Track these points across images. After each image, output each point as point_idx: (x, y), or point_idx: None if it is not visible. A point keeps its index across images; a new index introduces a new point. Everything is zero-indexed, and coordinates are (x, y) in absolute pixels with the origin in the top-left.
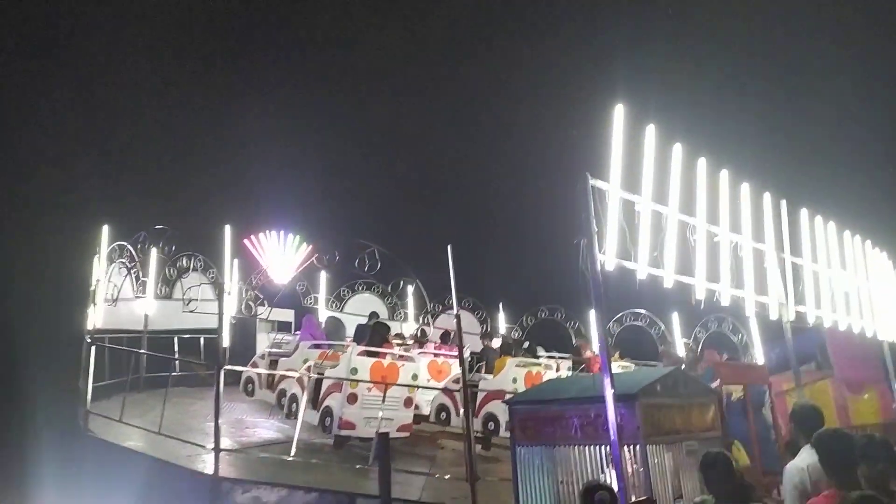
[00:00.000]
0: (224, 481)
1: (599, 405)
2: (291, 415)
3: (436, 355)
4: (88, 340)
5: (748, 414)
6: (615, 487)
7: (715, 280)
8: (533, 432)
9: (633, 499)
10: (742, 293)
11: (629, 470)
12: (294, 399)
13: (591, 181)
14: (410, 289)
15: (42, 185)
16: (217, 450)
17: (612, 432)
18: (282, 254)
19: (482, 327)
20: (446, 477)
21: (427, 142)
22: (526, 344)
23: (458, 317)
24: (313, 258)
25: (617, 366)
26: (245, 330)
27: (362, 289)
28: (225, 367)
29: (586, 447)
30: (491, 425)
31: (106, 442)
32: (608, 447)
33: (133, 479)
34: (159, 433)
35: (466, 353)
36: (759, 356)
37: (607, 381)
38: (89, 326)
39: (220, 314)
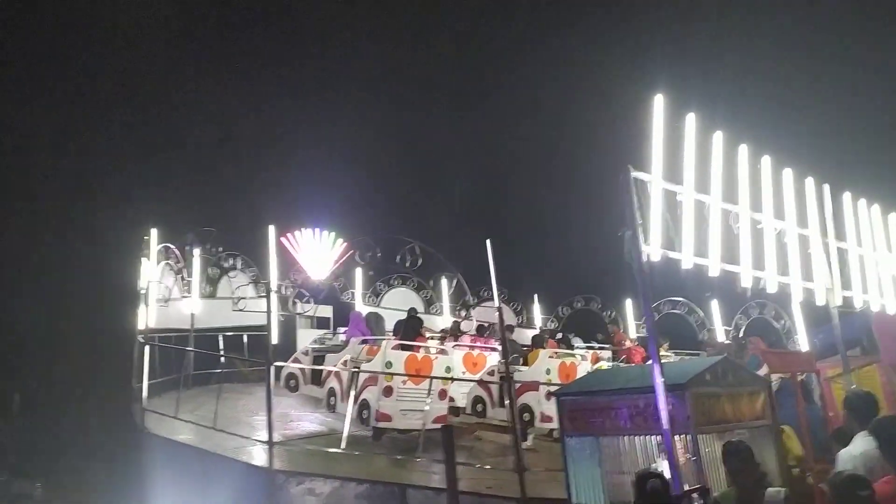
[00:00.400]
0: (279, 474)
1: (649, 395)
2: (331, 408)
3: (471, 347)
4: (141, 340)
5: (798, 401)
6: (667, 476)
7: (760, 268)
8: (582, 423)
9: (686, 487)
10: (788, 280)
11: (680, 459)
12: (333, 393)
13: (634, 173)
14: (445, 283)
15: (96, 192)
16: (271, 443)
17: (664, 422)
18: (318, 251)
19: (517, 319)
20: (487, 467)
21: (462, 137)
22: (559, 335)
23: (499, 309)
24: (355, 255)
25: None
26: (284, 326)
27: (398, 283)
28: (275, 363)
29: (636, 437)
30: (526, 416)
31: (163, 438)
32: (658, 437)
33: (190, 474)
34: (214, 428)
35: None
36: (803, 342)
37: (658, 372)
38: (140, 326)
39: (269, 312)
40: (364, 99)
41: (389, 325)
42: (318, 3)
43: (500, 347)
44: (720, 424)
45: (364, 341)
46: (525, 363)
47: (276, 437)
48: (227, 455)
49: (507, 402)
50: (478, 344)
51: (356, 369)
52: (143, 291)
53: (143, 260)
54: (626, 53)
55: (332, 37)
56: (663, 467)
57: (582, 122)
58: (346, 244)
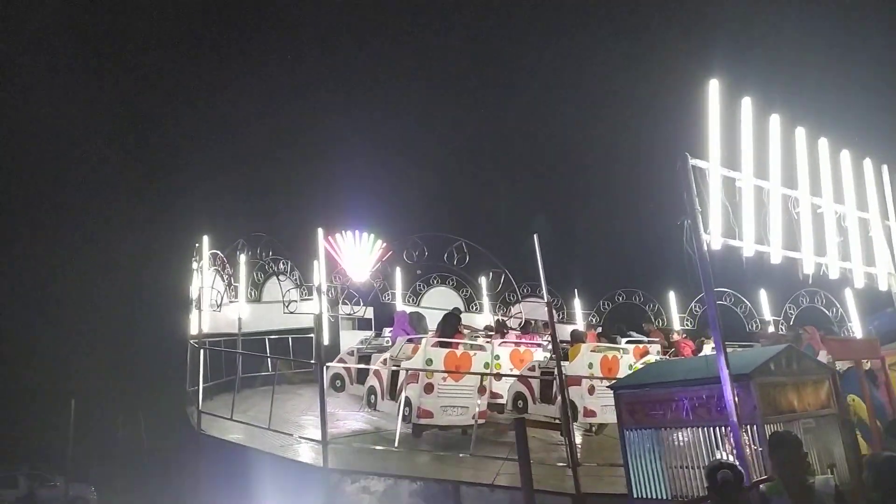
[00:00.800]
0: (333, 472)
1: (712, 386)
2: (372, 406)
3: (517, 344)
4: (195, 344)
5: (863, 388)
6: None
7: (821, 253)
8: (641, 416)
9: (756, 478)
10: (849, 265)
11: (747, 450)
12: (373, 391)
13: (691, 160)
14: (484, 280)
15: (149, 201)
16: (325, 442)
17: (731, 413)
18: (358, 253)
19: (558, 315)
20: (541, 464)
21: (503, 133)
22: (599, 329)
23: (549, 305)
24: (403, 254)
25: (709, 348)
26: (328, 328)
27: (437, 282)
28: (327, 364)
29: (699, 429)
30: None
31: (219, 439)
32: (722, 428)
33: (246, 474)
34: (269, 429)
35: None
36: (857, 330)
37: (723, 362)
38: (193, 331)
39: (320, 313)
40: (404, 98)
41: (431, 324)
42: (355, 10)
43: (544, 343)
44: (786, 414)
45: (410, 340)
46: (566, 358)
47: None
48: (283, 455)
49: (557, 397)
50: (523, 340)
51: (396, 367)
52: (194, 297)
53: (195, 266)
54: (677, 38)
55: (368, 35)
56: (728, 459)
57: (628, 113)
58: (385, 245)
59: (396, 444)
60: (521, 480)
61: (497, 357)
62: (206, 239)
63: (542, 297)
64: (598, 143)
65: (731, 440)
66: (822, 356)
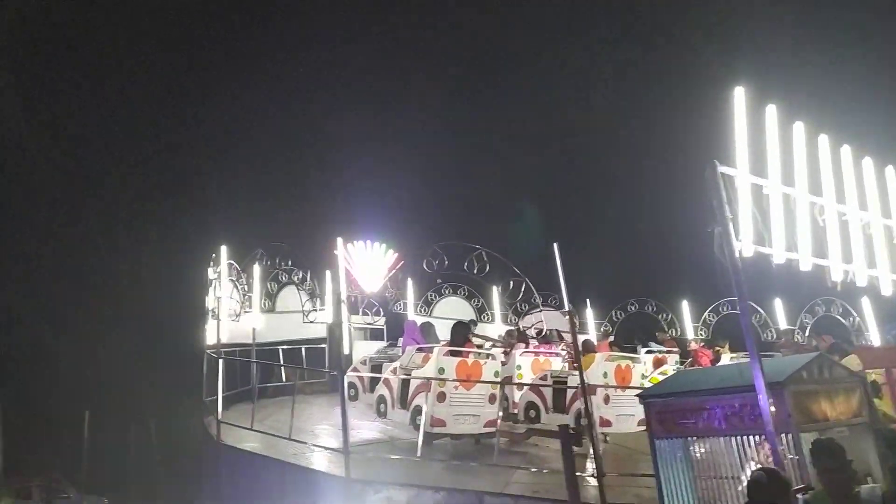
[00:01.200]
0: (356, 483)
1: (745, 395)
2: (381, 414)
3: (536, 353)
4: (214, 355)
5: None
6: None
7: (847, 261)
8: (671, 425)
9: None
10: (876, 272)
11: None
12: (383, 400)
13: (720, 168)
14: (498, 290)
15: (167, 211)
16: (347, 452)
17: (767, 421)
18: (370, 262)
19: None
20: (544, 472)
21: (517, 141)
22: (611, 338)
23: (570, 313)
24: (422, 263)
25: (726, 358)
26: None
27: (448, 292)
28: (348, 372)
29: (731, 438)
30: (583, 421)
31: (240, 449)
32: (757, 437)
33: (268, 484)
34: (289, 438)
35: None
36: (874, 338)
37: (758, 370)
38: (209, 341)
39: (339, 323)
40: (417, 102)
41: (442, 334)
42: (372, 13)
43: (562, 353)
44: (819, 423)
45: (419, 349)
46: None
47: (337, 445)
48: (306, 465)
49: (571, 406)
50: (542, 350)
51: (406, 376)
52: (211, 308)
53: (212, 276)
54: (702, 46)
55: (383, 38)
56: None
57: (650, 121)
58: (397, 255)
59: (419, 454)
60: (567, 494)
61: (519, 367)
62: (223, 249)
63: (559, 306)
64: (609, 153)
65: (767, 449)
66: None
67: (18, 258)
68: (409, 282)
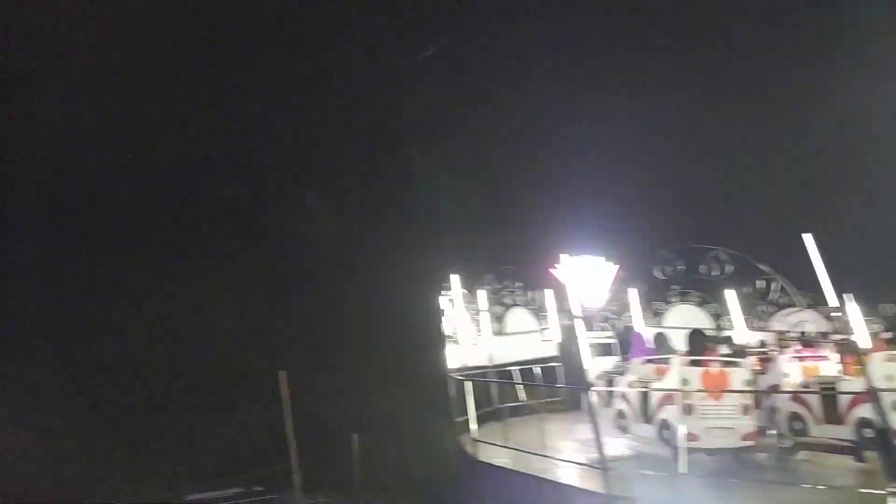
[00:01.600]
0: (619, 499)
1: None
2: (622, 430)
3: (801, 359)
4: (461, 377)
5: None
6: None
7: None
8: None
9: None
10: None
11: None
12: (622, 415)
13: None
14: (733, 293)
15: (403, 241)
16: (605, 468)
17: None
18: (591, 277)
19: (832, 323)
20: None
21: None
22: (887, 335)
23: (841, 310)
24: (650, 271)
25: None
26: (572, 356)
27: (677, 300)
28: (592, 388)
29: None
30: (867, 432)
31: (498, 467)
32: None
33: (526, 500)
34: (543, 455)
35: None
36: None
37: None
38: (451, 365)
39: (575, 339)
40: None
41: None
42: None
43: (829, 356)
44: None
45: (649, 361)
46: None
47: (585, 460)
48: (567, 483)
49: (848, 416)
50: (808, 354)
51: (645, 388)
52: (450, 333)
53: (448, 301)
54: None
55: (594, 40)
56: None
57: None
58: (618, 266)
59: (686, 469)
60: None
61: (786, 375)
62: (457, 277)
63: (812, 305)
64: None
65: None
66: None
67: (293, 312)
68: (634, 292)
